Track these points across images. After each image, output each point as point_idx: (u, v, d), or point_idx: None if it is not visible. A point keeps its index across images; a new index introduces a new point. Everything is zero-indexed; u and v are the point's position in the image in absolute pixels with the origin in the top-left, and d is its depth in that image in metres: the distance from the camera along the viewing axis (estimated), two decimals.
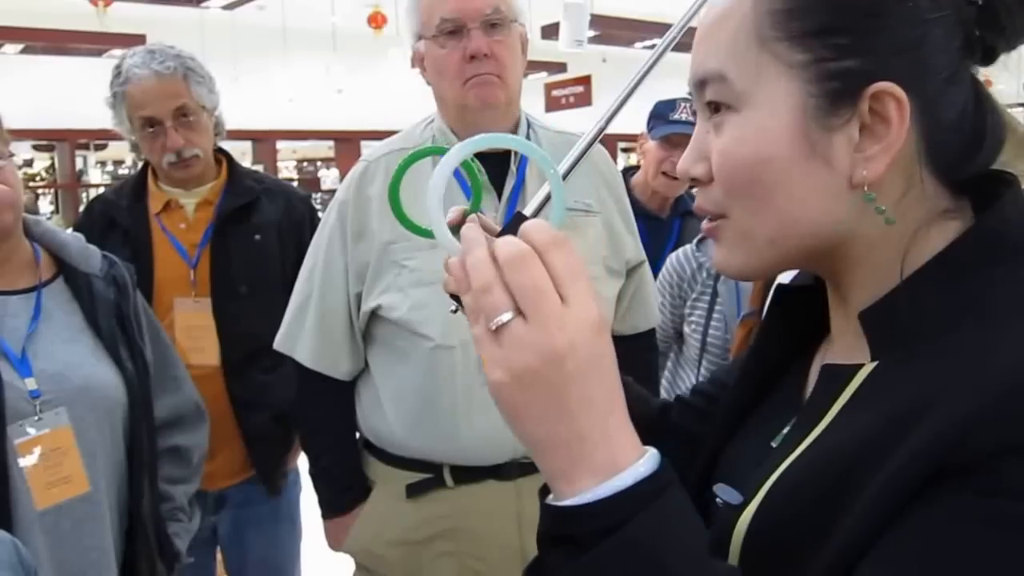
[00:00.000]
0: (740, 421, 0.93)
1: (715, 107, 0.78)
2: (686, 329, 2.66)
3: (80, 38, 10.54)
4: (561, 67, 13.20)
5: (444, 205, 0.74)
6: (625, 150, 16.81)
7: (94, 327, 1.85)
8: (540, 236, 0.67)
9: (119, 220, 2.43)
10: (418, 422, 1.91)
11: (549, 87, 13.00)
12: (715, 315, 2.56)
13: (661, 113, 3.05)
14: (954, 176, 0.76)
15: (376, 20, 11.40)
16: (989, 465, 0.60)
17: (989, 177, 0.77)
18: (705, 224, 0.82)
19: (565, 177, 0.76)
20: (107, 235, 2.38)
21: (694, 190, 0.84)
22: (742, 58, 0.75)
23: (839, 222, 0.75)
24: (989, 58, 0.77)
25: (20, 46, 11.43)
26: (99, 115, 2.44)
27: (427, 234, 0.87)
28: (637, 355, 2.18)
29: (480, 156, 2.04)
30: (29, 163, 15.60)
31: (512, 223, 0.71)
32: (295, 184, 10.74)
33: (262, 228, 2.48)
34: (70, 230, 2.10)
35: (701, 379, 2.51)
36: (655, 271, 2.71)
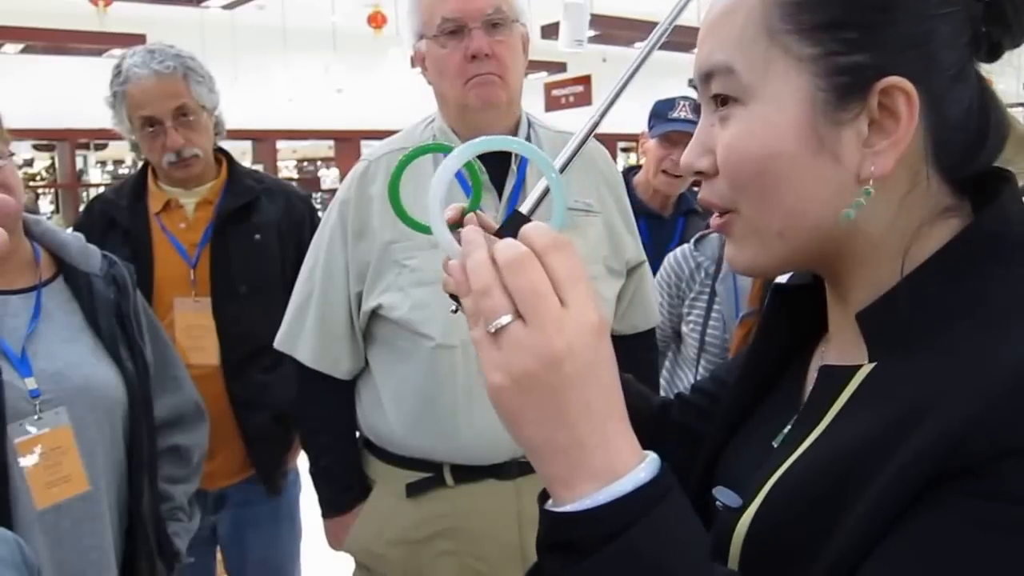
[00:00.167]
0: (739, 422, 0.93)
1: (722, 100, 0.77)
2: (684, 328, 2.66)
3: (80, 38, 10.52)
4: (561, 67, 13.19)
5: (445, 204, 0.74)
6: (625, 150, 16.81)
7: (94, 327, 1.85)
8: (540, 239, 0.67)
9: (119, 220, 2.43)
10: (418, 421, 1.91)
11: (549, 87, 12.99)
12: (713, 314, 2.56)
13: (660, 112, 3.06)
14: (958, 174, 0.76)
15: (376, 20, 11.39)
16: (990, 468, 0.60)
17: (988, 175, 0.77)
18: (714, 220, 0.82)
19: (562, 170, 0.75)
20: (107, 235, 2.38)
21: (695, 188, 0.84)
22: (750, 51, 0.75)
23: (844, 218, 0.75)
24: (994, 55, 0.76)
25: (20, 46, 11.41)
26: (99, 115, 2.44)
27: (427, 230, 0.87)
28: (637, 355, 2.18)
29: (481, 156, 2.03)
30: (29, 163, 15.59)
31: (509, 221, 0.71)
32: (295, 184, 10.74)
33: (262, 228, 2.48)
34: (70, 230, 2.10)
35: (699, 378, 2.51)
36: (657, 270, 2.72)
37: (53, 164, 14.61)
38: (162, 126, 2.34)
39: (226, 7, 11.37)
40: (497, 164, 1.91)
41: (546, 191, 0.76)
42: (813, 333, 0.90)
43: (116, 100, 2.37)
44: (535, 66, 12.84)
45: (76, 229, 2.29)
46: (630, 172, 3.26)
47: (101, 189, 4.53)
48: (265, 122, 12.86)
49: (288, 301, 2.08)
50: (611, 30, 10.50)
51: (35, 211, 10.06)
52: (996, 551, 0.59)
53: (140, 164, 2.56)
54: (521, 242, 0.67)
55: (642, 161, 3.24)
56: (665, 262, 2.73)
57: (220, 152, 2.57)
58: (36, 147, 14.89)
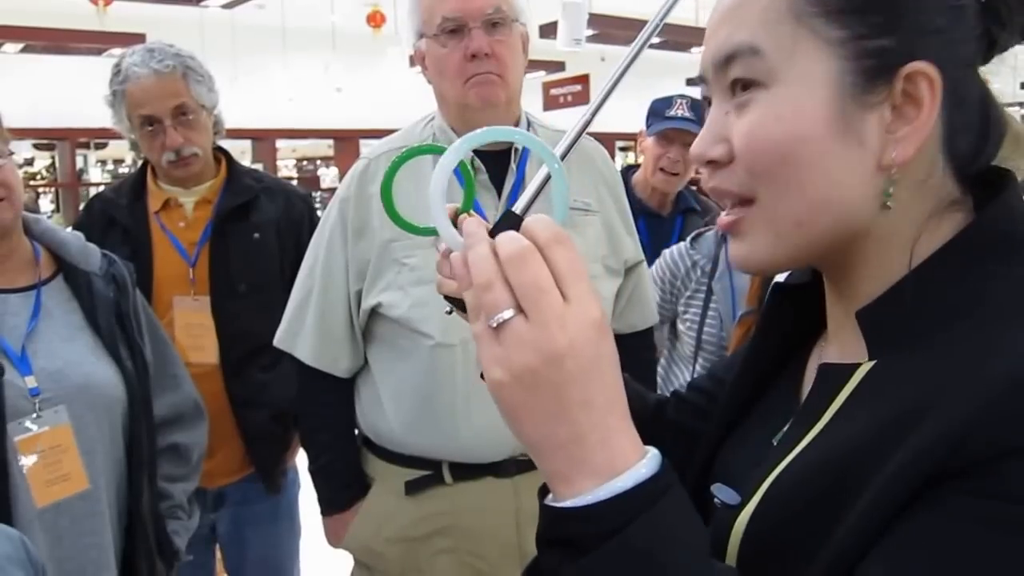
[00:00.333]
0: (736, 420, 0.93)
1: (742, 85, 0.76)
2: (680, 327, 2.67)
3: (80, 37, 10.52)
4: (559, 66, 13.19)
5: (447, 197, 0.73)
6: (623, 149, 16.82)
7: (93, 325, 1.85)
8: (543, 232, 0.66)
9: (118, 218, 2.43)
10: (417, 420, 1.91)
11: (547, 86, 12.99)
12: (710, 313, 2.57)
13: (658, 110, 3.06)
14: (965, 169, 0.76)
15: (375, 19, 11.39)
16: (990, 467, 0.60)
17: (988, 172, 0.77)
18: (724, 218, 0.80)
19: (563, 158, 0.74)
20: (107, 233, 2.38)
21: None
22: (776, 32, 0.74)
23: (864, 206, 0.74)
24: (989, 55, 0.77)
25: (20, 45, 11.41)
26: (99, 114, 2.44)
27: (419, 231, 0.87)
28: (635, 354, 2.18)
29: (480, 154, 2.03)
30: (30, 162, 15.60)
31: (502, 220, 0.70)
32: (295, 183, 10.74)
33: (261, 227, 2.48)
34: (70, 228, 2.10)
35: (696, 376, 2.52)
36: None
37: (53, 163, 14.62)
38: (161, 125, 2.34)
39: (225, 6, 11.37)
40: (497, 163, 1.91)
41: (544, 182, 0.74)
42: (812, 331, 0.90)
43: (115, 99, 2.38)
44: (533, 65, 12.81)
45: (76, 228, 2.30)
46: (628, 171, 3.26)
47: (101, 188, 4.53)
48: (264, 121, 12.86)
49: (287, 300, 2.08)
50: (609, 29, 10.51)
51: (35, 210, 10.07)
52: (996, 550, 0.59)
53: (139, 163, 2.56)
54: (524, 235, 0.67)
55: (640, 160, 3.24)
56: (661, 258, 2.73)
57: (219, 151, 2.57)
58: (36, 146, 14.90)
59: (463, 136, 0.73)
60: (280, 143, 15.36)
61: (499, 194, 1.90)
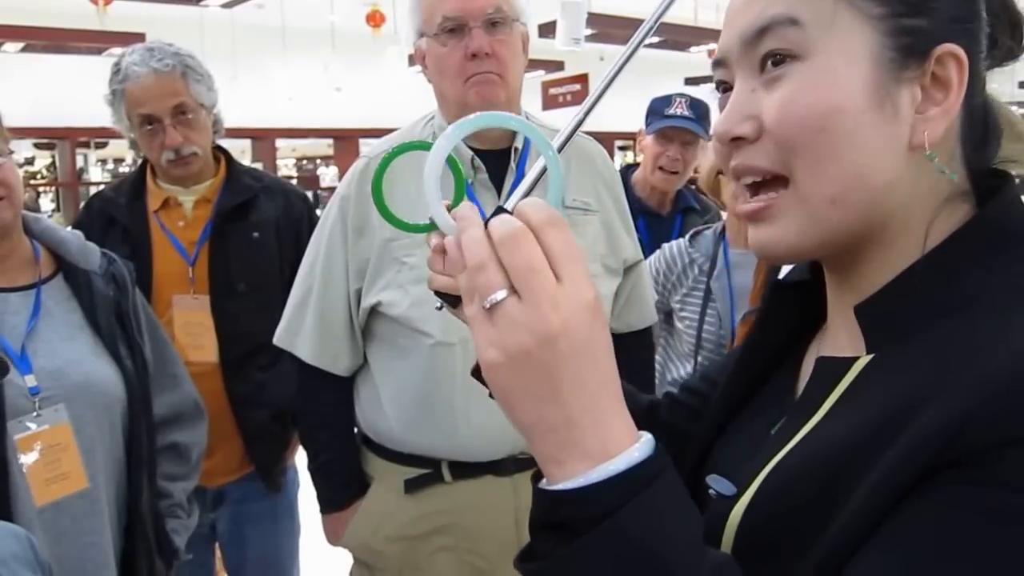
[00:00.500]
0: (733, 413, 0.93)
1: (776, 59, 0.75)
2: (679, 325, 2.67)
3: (80, 37, 10.53)
4: (558, 65, 13.18)
5: (441, 184, 0.73)
6: (622, 148, 16.83)
7: (93, 324, 1.85)
8: (536, 215, 0.66)
9: (118, 217, 2.43)
10: (417, 418, 1.91)
11: (546, 85, 12.99)
12: (709, 312, 2.57)
13: (657, 108, 3.07)
14: (973, 161, 0.78)
15: (374, 19, 11.39)
16: (987, 458, 0.60)
17: (988, 171, 0.79)
18: (749, 205, 0.79)
19: (560, 149, 0.74)
20: (106, 232, 2.38)
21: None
22: (816, 4, 0.74)
23: (893, 185, 0.74)
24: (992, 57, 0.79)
25: (20, 45, 11.42)
26: (99, 113, 2.44)
27: (409, 227, 0.87)
28: (633, 353, 2.18)
29: (480, 154, 2.03)
30: (30, 161, 15.62)
31: (494, 216, 0.71)
32: (294, 182, 10.74)
33: (260, 226, 2.49)
34: (69, 228, 2.10)
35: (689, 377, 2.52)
36: None
37: (53, 162, 14.64)
38: (161, 124, 2.34)
39: (225, 6, 11.38)
40: (496, 162, 1.92)
41: (540, 175, 0.74)
42: (809, 328, 0.90)
43: (115, 98, 2.38)
44: (532, 64, 12.78)
45: (75, 227, 2.30)
46: (628, 170, 3.27)
47: (101, 187, 4.53)
48: (264, 121, 12.88)
49: (287, 299, 2.08)
50: (608, 29, 10.51)
51: (36, 209, 10.06)
52: (994, 539, 0.59)
53: (139, 162, 2.57)
54: (517, 217, 0.67)
55: (640, 159, 3.25)
56: (659, 251, 2.74)
57: (218, 150, 2.57)
58: (37, 145, 14.91)
59: (458, 120, 0.73)
60: (280, 142, 15.38)
61: (499, 193, 1.90)
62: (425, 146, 0.77)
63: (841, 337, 0.82)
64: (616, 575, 0.60)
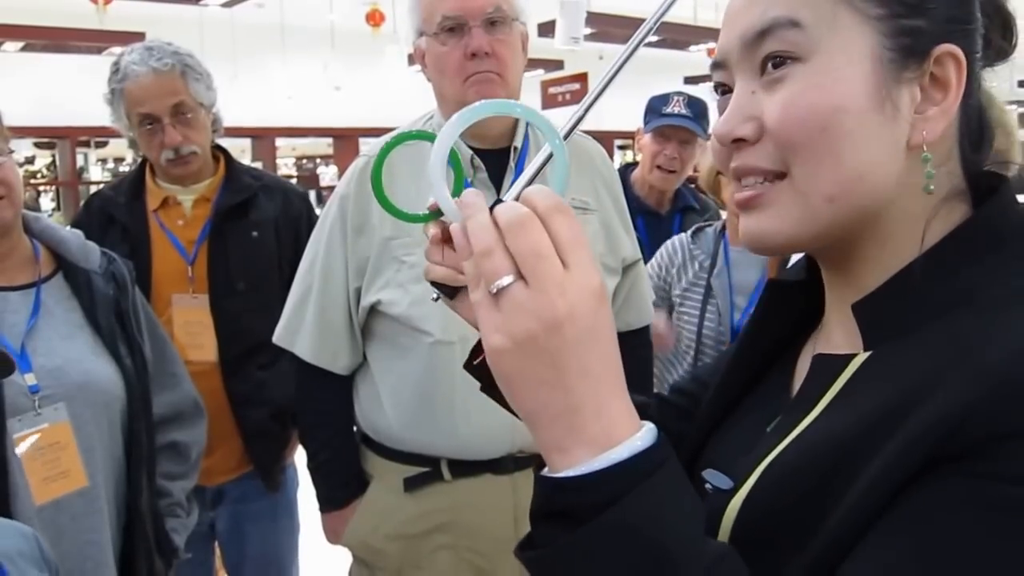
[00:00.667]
0: (729, 409, 0.93)
1: (776, 61, 0.75)
2: (679, 321, 2.68)
3: (80, 36, 10.52)
4: (558, 64, 13.17)
5: (446, 171, 0.73)
6: (622, 147, 16.83)
7: (93, 323, 1.86)
8: (543, 201, 0.66)
9: (117, 216, 2.44)
10: (416, 417, 1.92)
11: (545, 84, 12.98)
12: (709, 309, 2.58)
13: (655, 107, 3.07)
14: (971, 161, 0.78)
15: (374, 18, 11.37)
16: (987, 451, 0.60)
17: (984, 174, 0.79)
18: (746, 193, 0.79)
19: (566, 137, 0.74)
20: (106, 231, 2.39)
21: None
22: (816, 6, 0.74)
23: (892, 184, 0.75)
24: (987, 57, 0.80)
25: (20, 44, 11.42)
26: (99, 113, 2.44)
27: (407, 217, 0.87)
28: (631, 352, 2.17)
29: (480, 153, 2.03)
30: (30, 160, 15.61)
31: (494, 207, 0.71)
32: (294, 181, 10.73)
33: (259, 225, 2.49)
34: (69, 227, 2.10)
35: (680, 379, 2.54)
36: None
37: (54, 162, 14.63)
38: (160, 123, 2.35)
39: (225, 5, 11.38)
40: (495, 161, 1.92)
41: (542, 166, 0.74)
42: (804, 327, 0.91)
43: (114, 97, 2.38)
44: (532, 64, 12.77)
45: (74, 226, 2.30)
46: (627, 169, 3.27)
47: (101, 186, 4.53)
48: (264, 120, 12.87)
49: (286, 298, 2.08)
50: (607, 28, 10.51)
51: (36, 209, 10.06)
52: (994, 532, 0.59)
53: (138, 161, 2.57)
54: (523, 204, 0.67)
55: (639, 158, 3.25)
56: (663, 246, 2.75)
57: (218, 149, 2.57)
58: (37, 145, 14.90)
59: (462, 109, 0.73)
60: (279, 141, 15.36)
61: (498, 192, 1.91)
62: (426, 136, 0.77)
63: (838, 335, 0.82)
64: (618, 564, 0.60)
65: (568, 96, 12.20)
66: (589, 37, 9.61)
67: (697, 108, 3.02)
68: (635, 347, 2.23)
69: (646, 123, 3.09)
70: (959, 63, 0.73)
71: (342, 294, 1.96)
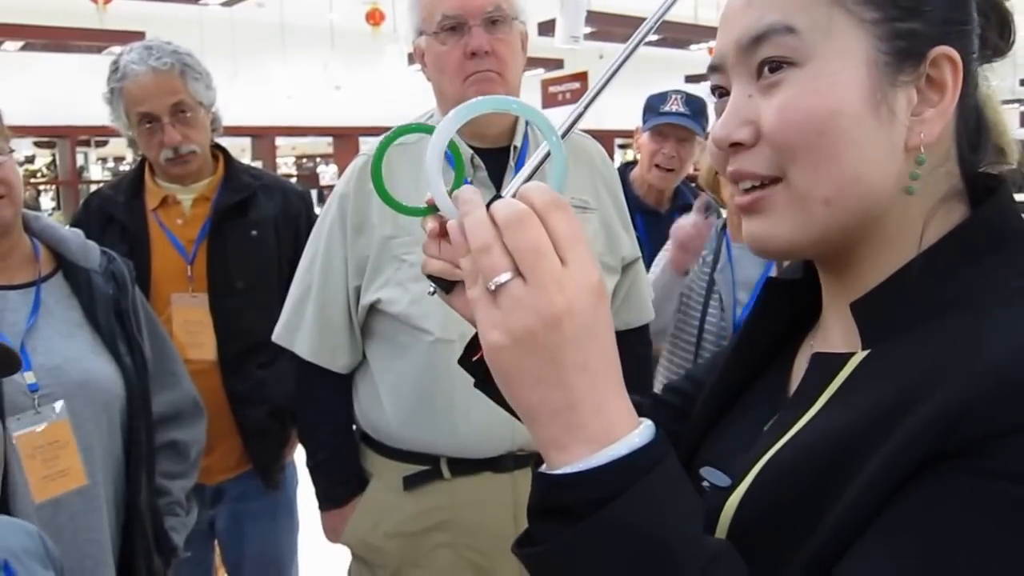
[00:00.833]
0: (726, 407, 0.93)
1: (772, 66, 0.75)
2: (681, 315, 2.69)
3: (80, 35, 10.52)
4: (558, 63, 13.16)
5: (443, 167, 0.73)
6: (622, 146, 16.82)
7: (93, 322, 1.86)
8: (540, 197, 0.66)
9: (116, 216, 2.44)
10: (416, 415, 1.92)
11: (545, 83, 12.97)
12: (712, 303, 2.59)
13: (653, 106, 3.07)
14: (969, 162, 0.78)
15: (374, 17, 11.37)
16: (985, 448, 0.60)
17: (982, 176, 0.79)
18: (745, 198, 0.79)
19: (564, 136, 0.74)
20: (105, 230, 2.39)
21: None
22: (811, 11, 0.74)
23: (889, 186, 0.75)
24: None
25: (20, 43, 11.41)
26: (99, 112, 2.44)
27: (407, 210, 0.86)
28: (630, 350, 2.17)
29: (479, 152, 2.03)
30: (31, 159, 15.60)
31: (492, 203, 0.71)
32: (294, 180, 10.73)
33: (259, 224, 2.49)
34: (68, 226, 2.10)
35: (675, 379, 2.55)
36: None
37: (54, 161, 14.61)
38: (159, 122, 2.35)
39: (224, 4, 11.38)
40: (495, 161, 1.92)
41: (540, 163, 0.74)
42: (801, 326, 0.91)
43: (114, 96, 2.38)
44: (532, 63, 12.76)
45: (74, 225, 2.30)
46: (627, 168, 3.27)
47: (101, 186, 4.54)
48: (264, 119, 12.86)
49: (285, 296, 2.08)
50: (608, 27, 10.51)
51: (36, 208, 10.07)
52: (993, 528, 0.59)
53: (138, 160, 2.57)
54: (521, 200, 0.67)
55: (638, 157, 3.25)
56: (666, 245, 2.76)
57: (217, 148, 2.57)
58: (37, 144, 14.89)
59: (459, 105, 0.73)
60: (279, 141, 15.35)
61: (498, 192, 1.90)
62: (425, 129, 0.76)
63: (835, 334, 0.82)
64: (616, 560, 0.60)
65: (568, 95, 12.20)
66: (589, 36, 9.61)
67: (695, 106, 3.02)
68: (634, 346, 2.23)
69: (644, 122, 3.09)
70: (955, 64, 0.74)
71: (341, 293, 1.96)
